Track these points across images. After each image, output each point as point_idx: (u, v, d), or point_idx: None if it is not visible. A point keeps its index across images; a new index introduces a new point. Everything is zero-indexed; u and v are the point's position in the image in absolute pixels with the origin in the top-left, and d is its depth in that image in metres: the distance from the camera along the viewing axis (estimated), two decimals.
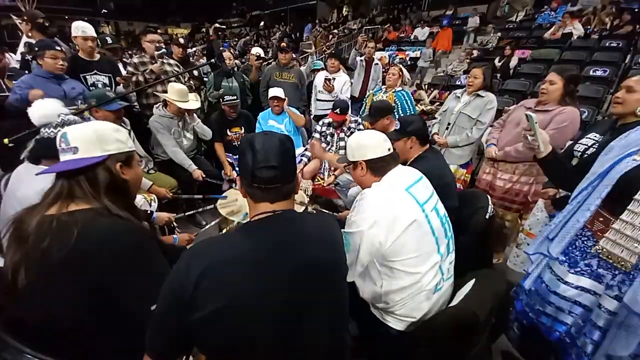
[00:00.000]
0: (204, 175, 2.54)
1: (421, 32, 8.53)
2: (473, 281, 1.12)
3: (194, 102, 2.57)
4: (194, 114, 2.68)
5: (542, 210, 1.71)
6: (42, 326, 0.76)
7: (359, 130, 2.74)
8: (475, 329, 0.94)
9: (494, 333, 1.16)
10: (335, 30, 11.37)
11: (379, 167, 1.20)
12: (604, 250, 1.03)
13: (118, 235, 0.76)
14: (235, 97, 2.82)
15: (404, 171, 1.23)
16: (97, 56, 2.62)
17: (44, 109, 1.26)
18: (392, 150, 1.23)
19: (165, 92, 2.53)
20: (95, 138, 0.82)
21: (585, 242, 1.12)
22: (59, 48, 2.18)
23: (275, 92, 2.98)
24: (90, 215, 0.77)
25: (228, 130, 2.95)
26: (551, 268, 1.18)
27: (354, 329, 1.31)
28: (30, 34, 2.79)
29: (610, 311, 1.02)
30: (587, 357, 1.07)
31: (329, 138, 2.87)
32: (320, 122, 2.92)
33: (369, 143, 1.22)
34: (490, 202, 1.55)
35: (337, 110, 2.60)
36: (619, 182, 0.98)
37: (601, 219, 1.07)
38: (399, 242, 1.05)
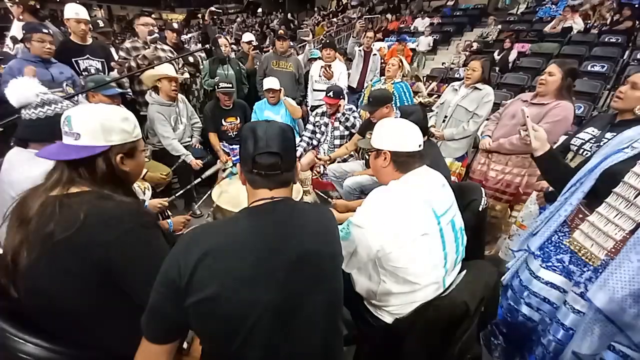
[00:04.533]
0: (200, 164, 2.52)
1: (421, 23, 8.41)
2: (464, 272, 1.14)
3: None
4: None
5: (534, 202, 1.72)
6: (42, 308, 0.76)
7: (354, 117, 2.70)
8: (465, 319, 0.96)
9: (483, 322, 1.18)
10: (335, 19, 11.16)
11: (404, 162, 1.09)
12: (576, 242, 1.03)
13: (122, 215, 0.76)
14: (230, 85, 2.76)
15: (428, 175, 1.13)
16: (90, 40, 2.56)
17: (20, 89, 1.17)
18: (422, 147, 1.11)
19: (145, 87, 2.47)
20: (99, 127, 0.80)
21: (561, 238, 1.12)
22: (46, 31, 2.12)
23: (269, 83, 2.90)
24: (94, 197, 0.77)
25: (223, 120, 2.90)
26: (527, 263, 1.19)
27: (347, 317, 1.33)
28: (21, 17, 2.70)
29: (575, 308, 1.02)
30: (549, 355, 1.07)
31: (322, 128, 2.83)
32: (314, 112, 2.87)
33: (401, 133, 1.10)
34: (484, 195, 1.56)
35: (331, 94, 2.55)
36: (602, 176, 0.98)
37: (580, 215, 1.06)
38: (404, 252, 1.00)
